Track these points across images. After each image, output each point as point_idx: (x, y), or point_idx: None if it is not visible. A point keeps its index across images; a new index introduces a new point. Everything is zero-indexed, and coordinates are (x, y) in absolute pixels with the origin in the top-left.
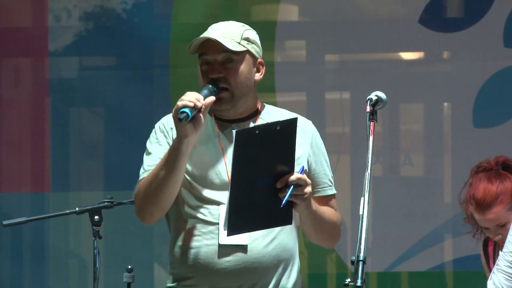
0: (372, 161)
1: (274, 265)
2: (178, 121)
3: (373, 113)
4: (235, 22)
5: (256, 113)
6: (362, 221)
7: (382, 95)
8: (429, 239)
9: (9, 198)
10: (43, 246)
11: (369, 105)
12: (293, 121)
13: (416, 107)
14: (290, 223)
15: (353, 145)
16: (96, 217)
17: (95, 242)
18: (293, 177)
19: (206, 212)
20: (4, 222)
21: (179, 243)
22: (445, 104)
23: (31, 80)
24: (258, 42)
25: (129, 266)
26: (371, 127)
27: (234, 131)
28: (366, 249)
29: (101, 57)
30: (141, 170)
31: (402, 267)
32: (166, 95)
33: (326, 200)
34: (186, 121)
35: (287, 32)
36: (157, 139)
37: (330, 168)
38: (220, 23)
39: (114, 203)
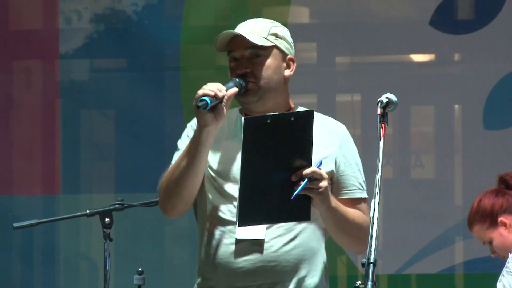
0: (382, 163)
1: (294, 264)
2: (196, 108)
3: (383, 115)
4: (263, 19)
5: (289, 111)
6: (372, 223)
7: (392, 97)
8: (439, 241)
9: (19, 200)
10: (53, 249)
11: (380, 107)
12: (309, 113)
13: (427, 109)
14: (308, 219)
15: (364, 147)
16: (106, 219)
17: (106, 244)
18: (307, 170)
19: (226, 210)
20: (15, 225)
21: (203, 242)
22: (456, 106)
23: (42, 82)
24: (289, 38)
25: (140, 269)
26: (382, 129)
27: (243, 118)
28: (376, 251)
29: (112, 59)
30: (169, 166)
31: (413, 269)
32: (177, 97)
33: (354, 203)
34: (205, 109)
35: (298, 34)
36: (187, 136)
37: (362, 172)
38: (248, 20)
39: (125, 205)
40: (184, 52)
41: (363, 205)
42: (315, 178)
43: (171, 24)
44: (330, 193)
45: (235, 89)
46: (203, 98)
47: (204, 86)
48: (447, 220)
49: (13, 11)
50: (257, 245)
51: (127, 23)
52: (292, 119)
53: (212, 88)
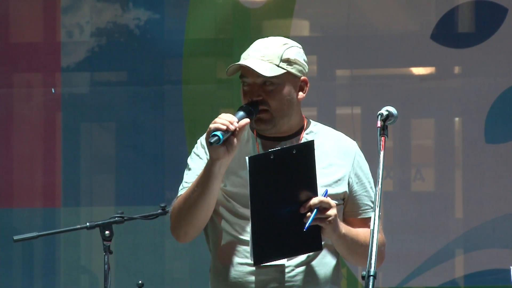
0: (383, 176)
1: (311, 284)
2: (209, 144)
3: (384, 128)
4: (277, 39)
5: (300, 131)
6: (372, 236)
7: (393, 110)
8: (440, 254)
9: (20, 213)
10: (54, 261)
11: (380, 120)
12: (309, 144)
13: (427, 122)
14: (320, 249)
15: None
16: (106, 232)
17: (106, 257)
18: (315, 200)
19: (241, 230)
20: (15, 237)
21: (216, 260)
22: (456, 119)
23: (42, 95)
24: (301, 59)
25: (140, 281)
26: (382, 142)
27: (247, 158)
28: (376, 264)
29: (113, 72)
30: (180, 186)
31: (414, 283)
32: (178, 110)
33: (368, 222)
34: (218, 144)
35: None
36: (197, 154)
37: (374, 190)
38: (262, 41)
39: (125, 218)
40: (186, 65)
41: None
42: (323, 207)
43: (173, 38)
44: (339, 221)
45: (247, 120)
46: (215, 133)
47: (216, 119)
48: (448, 233)
49: (14, 24)
50: (277, 266)
51: (129, 37)
52: (294, 152)
53: (224, 121)
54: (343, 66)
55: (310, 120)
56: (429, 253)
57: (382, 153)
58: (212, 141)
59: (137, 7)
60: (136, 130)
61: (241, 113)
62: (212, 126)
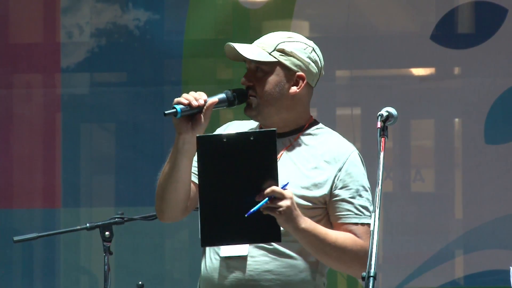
0: (383, 177)
1: (278, 284)
2: (163, 115)
3: (384, 129)
4: (285, 33)
5: (300, 130)
6: (372, 237)
7: (393, 111)
8: (440, 255)
9: (20, 214)
10: (54, 262)
11: (380, 121)
12: (270, 133)
13: (427, 123)
14: (279, 240)
15: (364, 161)
16: (106, 233)
17: (106, 258)
18: (268, 190)
19: None
20: (15, 238)
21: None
22: (456, 120)
23: (42, 96)
24: (302, 55)
25: (140, 282)
26: (382, 143)
27: (197, 135)
28: (377, 265)
29: (113, 73)
30: None
31: (414, 284)
32: None
33: (348, 227)
34: (176, 117)
35: None
36: None
37: (365, 196)
38: (273, 32)
39: (125, 219)
40: (186, 66)
41: (359, 229)
42: (276, 197)
43: (173, 38)
44: (299, 214)
45: (214, 100)
46: (175, 106)
47: (184, 94)
48: (448, 234)
49: (13, 25)
50: (240, 262)
51: (129, 38)
52: (251, 138)
53: (188, 96)
54: (343, 66)
55: (320, 123)
56: (429, 254)
57: (382, 154)
58: (166, 112)
59: (137, 7)
60: (136, 130)
61: (220, 95)
62: (175, 99)
